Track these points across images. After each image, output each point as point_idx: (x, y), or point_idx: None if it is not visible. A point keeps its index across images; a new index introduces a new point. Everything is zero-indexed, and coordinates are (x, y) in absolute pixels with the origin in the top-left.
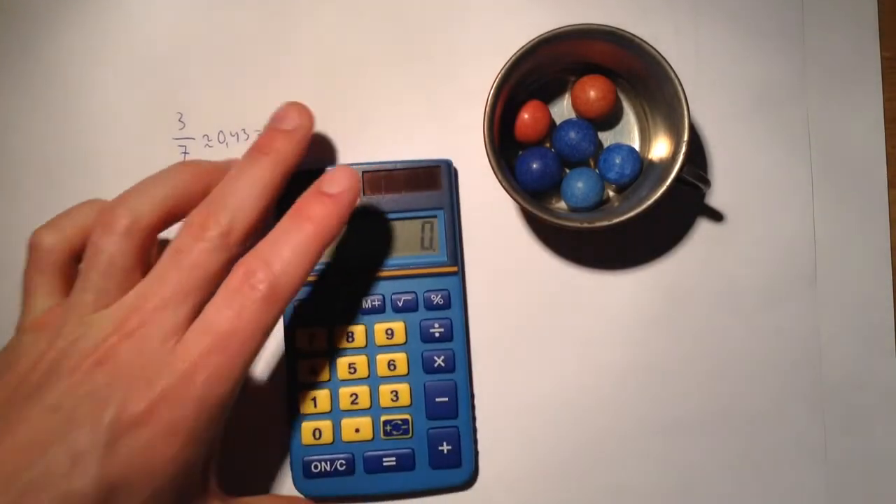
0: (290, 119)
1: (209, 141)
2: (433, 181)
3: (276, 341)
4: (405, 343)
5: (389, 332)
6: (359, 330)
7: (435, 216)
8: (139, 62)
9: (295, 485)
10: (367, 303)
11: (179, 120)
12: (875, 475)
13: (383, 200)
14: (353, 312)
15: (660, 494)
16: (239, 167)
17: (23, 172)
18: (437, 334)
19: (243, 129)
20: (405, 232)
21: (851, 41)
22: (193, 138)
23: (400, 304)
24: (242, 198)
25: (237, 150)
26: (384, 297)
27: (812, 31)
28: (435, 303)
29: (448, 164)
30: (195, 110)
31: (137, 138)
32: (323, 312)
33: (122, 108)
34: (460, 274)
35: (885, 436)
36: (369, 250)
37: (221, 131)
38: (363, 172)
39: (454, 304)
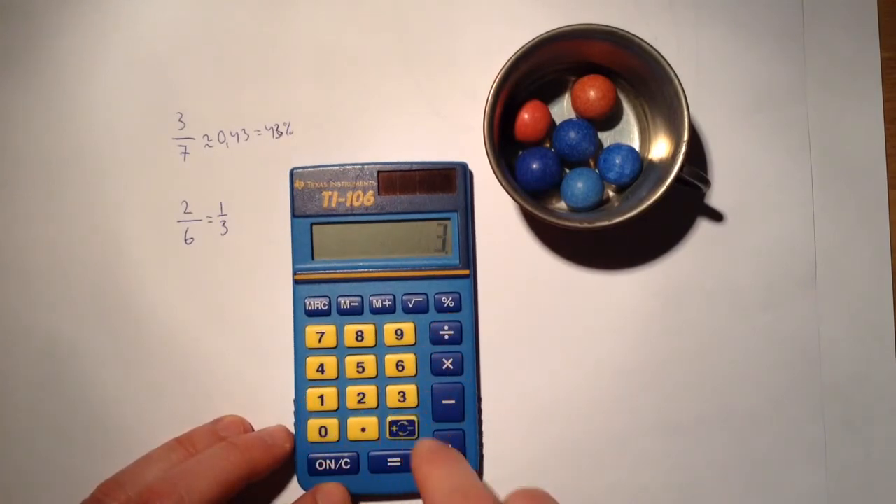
0: (276, 437)
1: (209, 141)
2: (449, 183)
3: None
4: (414, 344)
5: (399, 332)
6: (368, 329)
7: (449, 218)
8: (139, 62)
9: (299, 482)
10: (378, 302)
11: (179, 120)
12: (875, 475)
13: (398, 200)
14: (363, 311)
15: (662, 494)
16: (209, 454)
17: (23, 172)
18: (446, 336)
19: (243, 129)
20: (418, 233)
21: (851, 41)
22: (193, 138)
23: (411, 305)
24: (199, 484)
25: (237, 150)
26: (395, 298)
27: (812, 31)
28: (445, 305)
29: (464, 167)
30: (195, 110)
31: (137, 138)
32: (333, 310)
33: (122, 108)
34: (472, 277)
35: (885, 436)
36: (382, 249)
37: (221, 131)
38: (378, 172)
39: (465, 306)
